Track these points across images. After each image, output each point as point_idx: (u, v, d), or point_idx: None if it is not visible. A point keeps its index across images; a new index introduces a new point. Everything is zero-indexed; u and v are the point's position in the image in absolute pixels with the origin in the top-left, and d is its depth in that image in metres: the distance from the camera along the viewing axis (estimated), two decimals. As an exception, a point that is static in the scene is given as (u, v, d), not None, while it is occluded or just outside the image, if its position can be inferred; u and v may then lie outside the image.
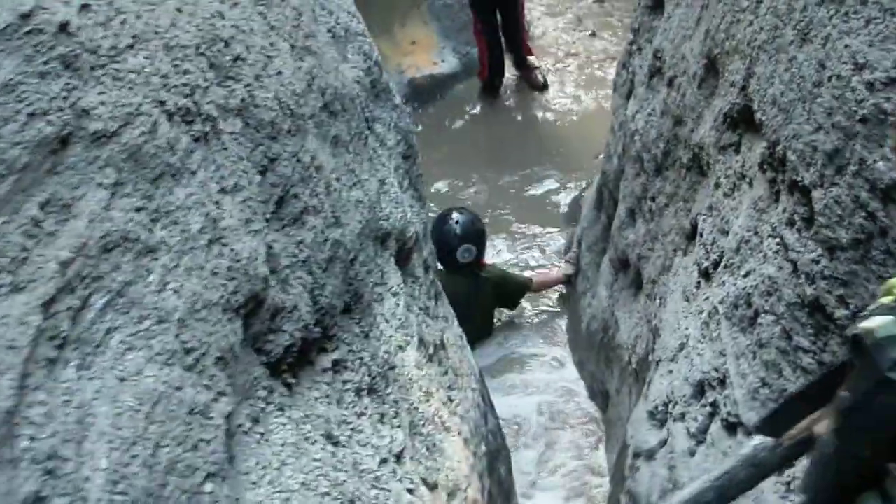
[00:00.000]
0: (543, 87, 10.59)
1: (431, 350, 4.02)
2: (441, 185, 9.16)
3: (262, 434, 2.48)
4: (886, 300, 1.85)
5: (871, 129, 2.72)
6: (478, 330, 7.36)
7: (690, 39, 4.75)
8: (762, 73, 3.57)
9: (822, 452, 1.74)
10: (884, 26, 2.71)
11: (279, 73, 3.02)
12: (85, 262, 1.93)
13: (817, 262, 2.99)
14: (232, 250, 2.44)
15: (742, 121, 3.86)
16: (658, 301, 5.00)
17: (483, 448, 4.37)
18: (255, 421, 2.48)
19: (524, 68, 10.65)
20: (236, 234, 2.49)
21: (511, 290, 7.78)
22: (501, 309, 7.86)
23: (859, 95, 2.77)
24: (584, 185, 8.70)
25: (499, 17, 10.19)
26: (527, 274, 8.05)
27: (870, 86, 2.73)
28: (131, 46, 2.28)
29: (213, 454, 2.13)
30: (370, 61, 4.23)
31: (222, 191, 2.51)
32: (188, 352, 2.16)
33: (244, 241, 2.52)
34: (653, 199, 5.28)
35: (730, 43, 4.02)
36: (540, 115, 10.37)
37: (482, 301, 7.50)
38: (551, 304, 8.02)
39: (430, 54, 10.64)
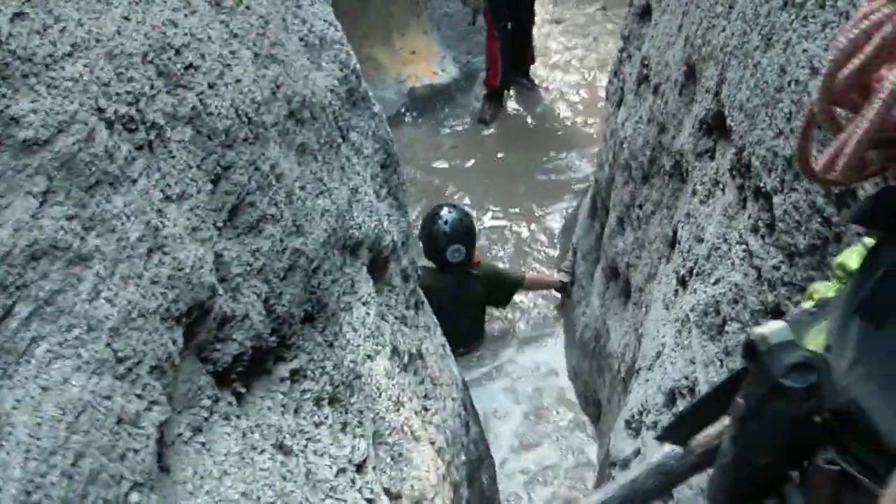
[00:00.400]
0: (535, 88, 10.67)
1: (406, 359, 4.00)
2: (447, 193, 9.13)
3: (203, 444, 2.45)
4: (806, 305, 1.83)
5: (827, 135, 2.69)
6: (468, 329, 7.40)
7: (673, 46, 4.74)
8: (732, 79, 3.55)
9: (721, 461, 1.72)
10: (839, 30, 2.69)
11: (238, 80, 3.01)
12: (8, 271, 1.90)
13: (778, 269, 2.97)
14: (174, 259, 2.42)
15: (716, 127, 3.85)
16: (644, 309, 4.99)
17: (462, 458, 4.35)
18: (197, 430, 2.46)
19: (526, 77, 10.68)
20: (180, 243, 2.47)
21: (503, 287, 7.77)
22: (495, 309, 7.85)
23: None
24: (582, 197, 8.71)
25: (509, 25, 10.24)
26: (522, 272, 8.06)
27: (826, 89, 2.71)
28: (70, 54, 2.26)
29: (142, 464, 2.11)
30: (347, 69, 4.21)
31: (167, 199, 2.49)
32: (120, 361, 2.13)
33: (189, 249, 2.50)
34: (640, 206, 5.27)
35: (706, 49, 4.01)
36: (541, 122, 10.37)
37: (472, 298, 7.51)
38: (548, 311, 8.01)
39: (430, 63, 10.65)
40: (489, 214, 8.94)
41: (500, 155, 9.85)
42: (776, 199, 2.99)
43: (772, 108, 3.07)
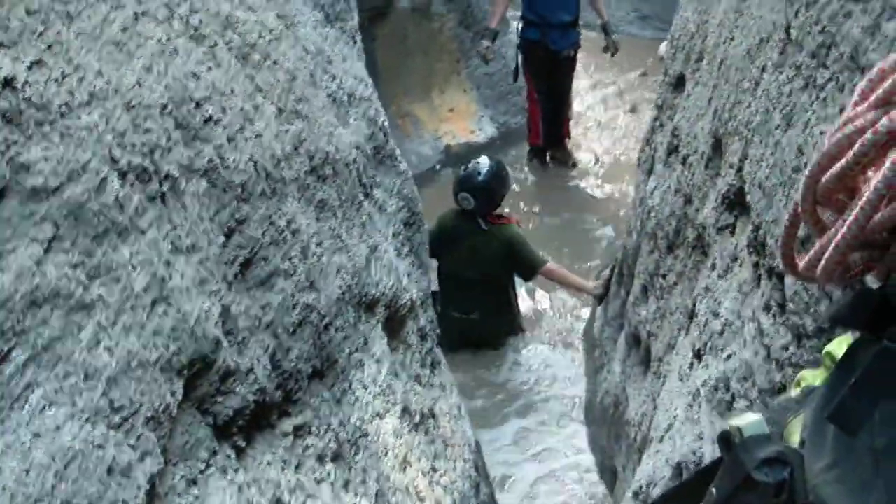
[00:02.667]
0: (573, 166, 10.68)
1: (418, 418, 3.99)
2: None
3: (196, 497, 2.45)
4: (794, 392, 1.82)
5: (840, 218, 2.69)
6: (480, 299, 7.68)
7: (702, 118, 4.75)
8: (754, 156, 3.55)
9: None
10: (857, 114, 2.69)
11: (259, 135, 3.03)
12: (7, 316, 1.92)
13: (786, 349, 2.96)
14: (178, 310, 2.43)
15: (738, 203, 3.85)
16: (662, 379, 4.97)
17: (470, 520, 4.34)
18: (192, 483, 2.46)
19: (559, 147, 10.72)
20: (186, 295, 2.48)
21: (521, 255, 7.84)
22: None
23: (831, 183, 2.75)
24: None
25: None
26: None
27: (841, 174, 2.71)
28: (87, 103, 2.29)
29: (131, 515, 2.12)
30: (374, 126, 4.24)
31: (176, 250, 2.50)
32: (116, 410, 2.14)
33: (195, 301, 2.51)
34: (664, 276, 5.26)
35: (732, 123, 4.01)
36: (573, 184, 10.39)
37: (487, 255, 7.63)
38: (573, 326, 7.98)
39: (467, 122, 10.71)
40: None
41: (535, 209, 9.88)
42: (787, 280, 2.99)
43: (788, 187, 3.06)
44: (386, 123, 4.43)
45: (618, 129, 11.39)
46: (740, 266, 3.68)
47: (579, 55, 10.65)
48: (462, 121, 10.66)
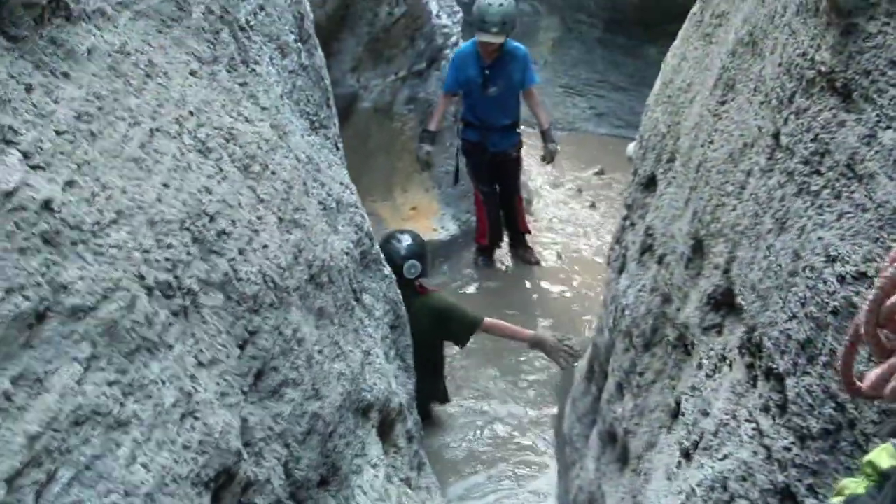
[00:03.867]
0: (535, 263, 10.75)
1: (411, 522, 4.02)
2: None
3: None
4: (835, 501, 1.87)
5: (841, 322, 2.75)
6: (419, 358, 7.46)
7: (679, 219, 4.83)
8: (743, 258, 3.62)
9: None
10: (855, 221, 2.77)
11: (265, 246, 3.08)
12: (53, 436, 1.94)
13: (789, 450, 3.00)
14: (205, 424, 2.46)
15: (724, 303, 3.91)
16: (643, 477, 4.99)
17: None
18: None
19: (520, 245, 10.80)
20: (210, 408, 2.51)
21: (454, 322, 7.78)
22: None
23: (831, 287, 2.82)
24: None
25: (497, 188, 10.39)
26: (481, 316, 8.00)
27: (841, 279, 2.78)
28: (115, 221, 2.33)
29: None
30: (361, 232, 4.30)
31: (199, 364, 2.54)
32: (153, 527, 2.17)
33: (218, 414, 2.54)
34: (640, 374, 5.30)
35: (715, 225, 4.08)
36: (536, 283, 10.44)
37: (425, 323, 7.41)
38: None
39: (430, 220, 10.76)
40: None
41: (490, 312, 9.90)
42: (789, 382, 3.04)
43: (785, 291, 3.13)
44: (370, 228, 4.49)
45: (578, 226, 11.48)
46: (730, 366, 3.74)
47: (536, 154, 10.76)
48: (424, 219, 10.72)
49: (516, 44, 10.22)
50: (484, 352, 8.76)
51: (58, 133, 2.25)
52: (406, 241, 7.72)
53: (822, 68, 3.05)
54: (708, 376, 3.99)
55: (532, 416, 8.23)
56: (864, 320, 1.50)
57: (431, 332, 7.62)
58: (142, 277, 2.36)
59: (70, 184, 2.22)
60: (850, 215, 2.80)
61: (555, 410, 8.17)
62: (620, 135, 14.32)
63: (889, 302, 1.43)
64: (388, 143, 10.63)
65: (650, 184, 5.88)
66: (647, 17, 14.98)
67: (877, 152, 2.69)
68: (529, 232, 10.89)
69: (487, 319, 7.90)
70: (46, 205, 2.10)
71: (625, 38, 15.71)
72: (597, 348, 6.83)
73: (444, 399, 8.15)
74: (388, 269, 4.63)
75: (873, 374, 1.50)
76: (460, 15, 11.55)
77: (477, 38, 9.90)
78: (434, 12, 10.87)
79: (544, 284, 10.43)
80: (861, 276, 2.72)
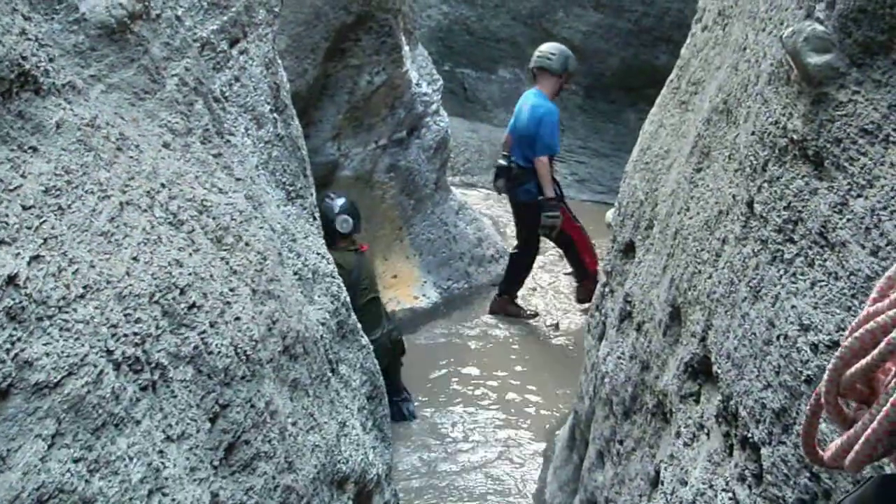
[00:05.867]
0: (533, 315, 10.85)
1: None
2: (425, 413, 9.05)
3: None
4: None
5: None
6: (372, 308, 7.97)
7: (657, 286, 4.83)
8: (719, 326, 3.62)
9: None
10: (828, 289, 2.77)
11: (237, 318, 3.06)
12: (15, 516, 1.92)
13: (766, 521, 2.99)
14: (173, 500, 2.43)
15: (702, 371, 3.90)
16: (625, 546, 4.96)
17: None
18: None
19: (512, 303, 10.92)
20: (179, 483, 2.49)
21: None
22: None
23: (804, 356, 2.81)
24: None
25: None
26: None
27: (814, 347, 2.77)
28: (82, 296, 2.32)
29: None
30: (338, 302, 4.28)
31: (168, 439, 2.52)
32: None
33: (187, 490, 2.51)
34: (621, 442, 5.28)
35: (692, 293, 4.08)
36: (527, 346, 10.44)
37: (369, 280, 8.08)
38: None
39: (411, 288, 10.77)
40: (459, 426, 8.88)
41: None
42: (764, 451, 3.03)
43: (760, 359, 3.12)
44: (347, 299, 4.47)
45: (560, 295, 11.51)
46: (707, 435, 3.72)
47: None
48: (405, 287, 10.72)
49: None
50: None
51: (24, 208, 2.24)
52: (339, 200, 8.22)
53: (795, 136, 3.05)
54: (686, 445, 3.97)
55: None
56: (825, 389, 1.49)
57: (373, 283, 8.25)
58: (109, 352, 2.34)
59: (36, 258, 2.20)
60: (822, 283, 2.80)
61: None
62: (602, 201, 14.47)
63: (849, 371, 1.43)
64: (368, 210, 10.65)
65: (629, 250, 5.89)
66: (628, 81, 15.13)
67: (848, 220, 2.69)
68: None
69: None
70: (11, 280, 2.09)
71: (605, 103, 15.88)
72: (577, 416, 6.81)
73: (402, 349, 8.57)
74: (365, 340, 4.61)
75: (834, 444, 1.49)
76: (440, 83, 11.65)
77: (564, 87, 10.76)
78: (414, 80, 10.94)
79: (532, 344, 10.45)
80: (834, 345, 2.71)
